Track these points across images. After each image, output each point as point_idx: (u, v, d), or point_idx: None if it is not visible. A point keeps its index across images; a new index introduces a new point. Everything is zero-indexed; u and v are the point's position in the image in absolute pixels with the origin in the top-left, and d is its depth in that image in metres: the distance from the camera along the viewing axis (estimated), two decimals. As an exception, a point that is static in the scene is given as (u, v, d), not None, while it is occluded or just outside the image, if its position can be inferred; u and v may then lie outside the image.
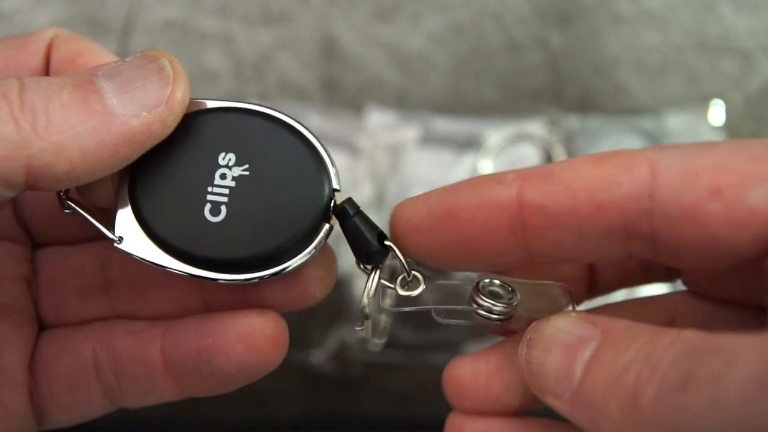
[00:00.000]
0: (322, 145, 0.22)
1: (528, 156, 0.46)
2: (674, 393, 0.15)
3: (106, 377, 0.23)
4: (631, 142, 0.46)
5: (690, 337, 0.16)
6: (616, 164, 0.18)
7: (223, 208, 0.21)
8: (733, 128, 0.46)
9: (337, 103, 0.49)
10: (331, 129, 0.48)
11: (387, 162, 0.46)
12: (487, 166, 0.46)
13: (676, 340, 0.16)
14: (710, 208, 0.17)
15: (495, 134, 0.46)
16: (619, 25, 0.50)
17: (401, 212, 0.21)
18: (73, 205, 0.21)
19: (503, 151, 0.46)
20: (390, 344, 0.40)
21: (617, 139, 0.46)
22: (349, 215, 0.21)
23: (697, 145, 0.18)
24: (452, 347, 0.41)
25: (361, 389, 0.42)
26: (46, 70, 0.22)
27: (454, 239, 0.20)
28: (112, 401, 0.24)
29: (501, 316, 0.21)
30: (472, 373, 0.22)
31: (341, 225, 0.21)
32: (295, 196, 0.21)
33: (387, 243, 0.21)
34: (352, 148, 0.47)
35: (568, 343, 0.19)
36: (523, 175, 0.19)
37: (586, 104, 0.48)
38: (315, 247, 0.21)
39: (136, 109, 0.19)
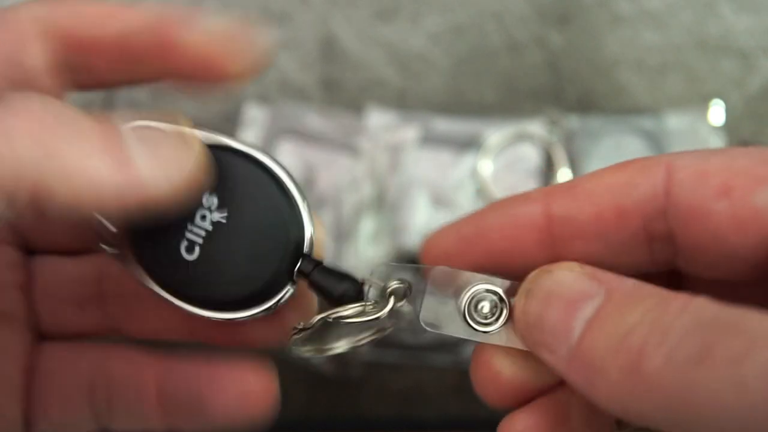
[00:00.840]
0: (306, 203, 0.22)
1: (528, 156, 0.46)
2: (688, 366, 0.15)
3: (99, 399, 0.23)
4: (631, 142, 0.46)
5: (703, 306, 0.16)
6: (634, 169, 0.19)
7: (197, 249, 0.21)
8: (733, 128, 0.46)
9: (337, 103, 0.49)
10: (331, 129, 0.48)
11: (387, 162, 0.46)
12: (487, 166, 0.46)
13: (688, 307, 0.16)
14: (717, 207, 0.17)
15: (495, 134, 0.46)
16: (619, 25, 0.50)
17: (432, 242, 0.21)
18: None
19: (503, 151, 0.46)
20: (390, 344, 0.40)
21: (617, 139, 0.46)
22: (305, 274, 0.22)
23: (713, 150, 0.18)
24: (452, 348, 0.41)
25: (361, 389, 0.42)
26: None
27: (486, 260, 0.20)
28: (98, 422, 0.24)
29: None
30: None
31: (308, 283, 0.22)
32: (264, 252, 0.21)
33: (358, 280, 0.22)
34: (352, 148, 0.47)
35: (568, 298, 0.18)
36: (548, 190, 0.20)
37: (586, 104, 0.48)
38: (267, 309, 0.21)
39: (150, 169, 0.19)
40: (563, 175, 0.45)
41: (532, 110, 0.48)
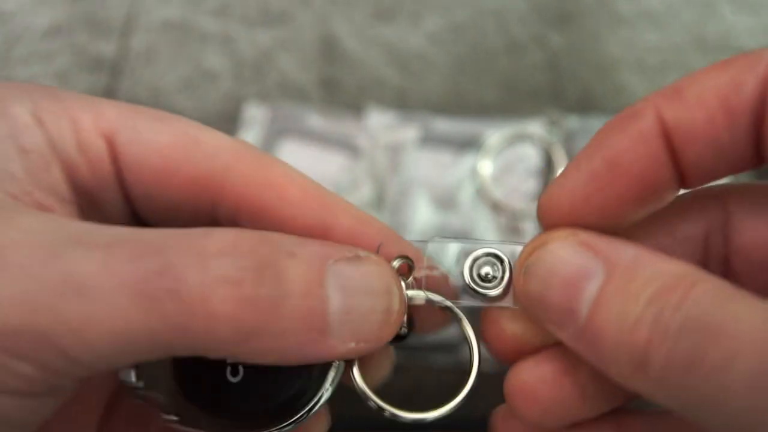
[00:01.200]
0: None
1: (528, 156, 0.46)
2: (684, 370, 0.15)
3: None
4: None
5: (699, 300, 0.16)
6: (737, 67, 0.18)
7: (241, 369, 0.21)
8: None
9: (336, 103, 0.49)
10: (331, 129, 0.48)
11: (387, 162, 0.46)
12: (486, 166, 0.46)
13: (686, 301, 0.16)
14: None
15: (495, 134, 0.46)
16: (619, 25, 0.50)
17: (554, 198, 0.20)
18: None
19: (503, 151, 0.46)
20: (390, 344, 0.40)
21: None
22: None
23: None
24: (452, 348, 0.41)
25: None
26: (226, 185, 0.21)
27: (616, 189, 0.19)
28: None
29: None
30: (539, 377, 0.21)
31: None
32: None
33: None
34: (352, 148, 0.47)
35: (568, 277, 0.18)
36: (653, 98, 0.19)
37: (586, 104, 0.48)
38: (329, 389, 0.21)
39: (348, 338, 0.19)
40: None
41: (532, 110, 0.48)
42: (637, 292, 0.17)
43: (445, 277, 0.21)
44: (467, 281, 0.21)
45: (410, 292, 0.21)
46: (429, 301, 0.21)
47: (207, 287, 0.16)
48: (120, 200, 0.21)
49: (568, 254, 0.18)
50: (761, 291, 0.17)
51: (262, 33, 0.52)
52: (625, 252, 0.18)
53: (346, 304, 0.18)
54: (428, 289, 0.21)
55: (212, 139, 0.21)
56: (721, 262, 0.19)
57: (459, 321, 0.22)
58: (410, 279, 0.21)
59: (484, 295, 0.21)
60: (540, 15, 0.51)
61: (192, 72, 0.51)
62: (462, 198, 0.45)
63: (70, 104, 0.20)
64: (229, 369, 0.21)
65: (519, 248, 0.21)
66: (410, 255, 0.21)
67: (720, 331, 0.15)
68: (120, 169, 0.21)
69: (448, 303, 0.21)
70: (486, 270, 0.21)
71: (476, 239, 0.23)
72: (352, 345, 0.19)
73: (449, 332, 0.42)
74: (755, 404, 0.14)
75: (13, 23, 0.53)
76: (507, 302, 0.21)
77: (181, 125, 0.21)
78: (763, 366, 0.14)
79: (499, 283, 0.21)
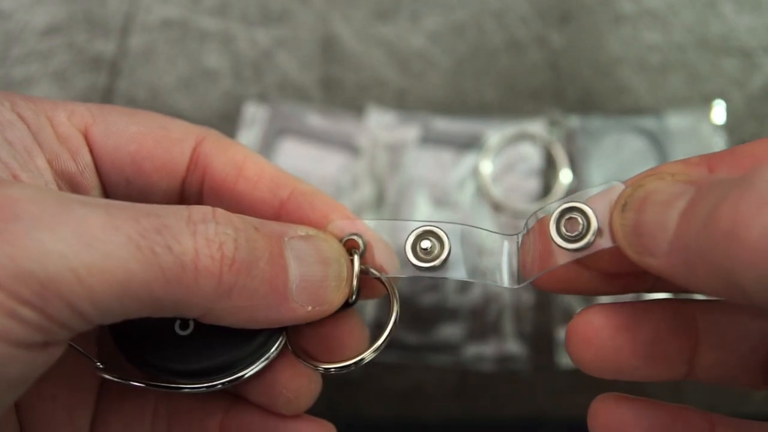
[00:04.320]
0: None
1: (529, 156, 0.46)
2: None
3: (159, 427, 0.25)
4: (632, 141, 0.46)
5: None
6: None
7: (191, 323, 0.23)
8: (734, 128, 0.46)
9: (337, 103, 0.49)
10: (331, 129, 0.47)
11: (387, 162, 0.46)
12: (487, 166, 0.45)
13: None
14: None
15: (495, 135, 0.46)
16: (620, 24, 0.50)
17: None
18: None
19: (504, 151, 0.46)
20: (390, 344, 0.40)
21: (618, 138, 0.46)
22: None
23: None
24: (452, 348, 0.41)
25: (361, 389, 0.42)
26: (192, 167, 0.24)
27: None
28: None
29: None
30: (599, 326, 0.21)
31: None
32: None
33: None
34: (352, 148, 0.47)
35: (662, 200, 0.18)
36: (708, 156, 0.20)
37: (587, 104, 0.48)
38: (266, 358, 0.23)
39: (306, 302, 0.21)
40: (564, 175, 0.45)
41: (532, 110, 0.48)
42: (722, 186, 0.16)
43: (388, 251, 0.24)
44: (407, 255, 0.23)
45: (355, 264, 0.24)
46: (366, 273, 0.24)
47: (196, 246, 0.19)
48: (98, 188, 0.23)
49: (664, 185, 0.19)
50: None
51: (262, 32, 0.52)
52: (714, 176, 0.18)
53: (303, 272, 0.21)
54: (369, 262, 0.24)
55: (179, 126, 0.24)
56: None
57: (389, 292, 0.24)
58: (358, 253, 0.24)
59: (419, 267, 0.23)
60: (541, 14, 0.51)
61: (191, 71, 0.51)
62: (462, 197, 0.45)
63: (44, 105, 0.22)
64: (178, 323, 0.23)
65: (445, 224, 0.23)
66: (359, 231, 0.24)
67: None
68: (96, 158, 0.23)
69: (378, 275, 0.24)
70: (426, 244, 0.23)
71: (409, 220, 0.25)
72: (309, 308, 0.21)
73: (449, 332, 0.41)
74: None
75: (11, 22, 0.53)
76: (605, 242, 0.21)
77: (149, 117, 0.24)
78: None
79: (584, 235, 0.21)
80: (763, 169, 0.15)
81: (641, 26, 0.50)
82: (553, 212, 0.22)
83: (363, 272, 0.23)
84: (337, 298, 0.22)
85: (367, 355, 0.23)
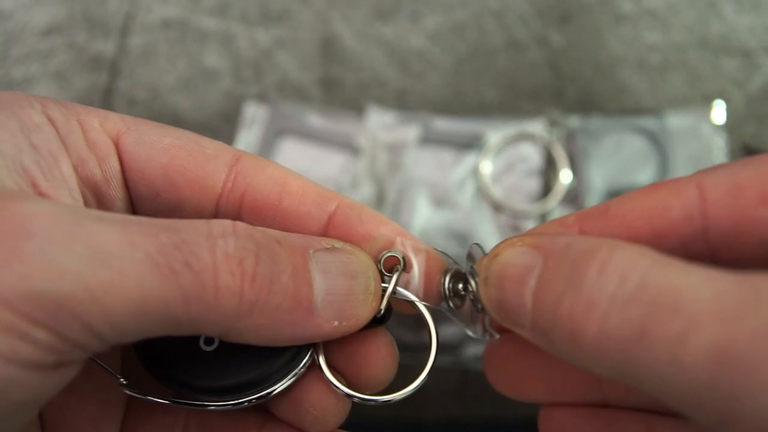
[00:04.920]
0: None
1: (529, 156, 0.46)
2: (625, 344, 0.16)
3: None
4: (632, 141, 0.46)
5: (627, 269, 0.16)
6: (666, 191, 0.19)
7: (216, 339, 0.22)
8: (734, 128, 0.46)
9: (337, 103, 0.49)
10: (331, 129, 0.47)
11: (387, 162, 0.46)
12: (487, 166, 0.45)
13: (605, 267, 0.16)
14: (760, 214, 0.18)
15: (495, 135, 0.46)
16: (620, 24, 0.50)
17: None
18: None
19: (504, 151, 0.46)
20: (402, 347, 0.40)
21: (618, 138, 0.46)
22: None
23: (739, 162, 0.19)
24: (452, 349, 0.41)
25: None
26: (228, 185, 0.23)
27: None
28: None
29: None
30: (506, 353, 0.23)
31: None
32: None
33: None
34: (352, 148, 0.47)
35: (516, 276, 0.19)
36: (582, 215, 0.21)
37: (587, 104, 0.48)
38: (294, 374, 0.22)
39: (332, 317, 0.21)
40: (564, 175, 0.45)
41: (532, 110, 0.48)
42: (562, 269, 0.18)
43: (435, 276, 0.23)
44: (444, 291, 0.23)
45: (391, 281, 0.23)
46: (397, 294, 0.23)
47: (216, 262, 0.18)
48: (124, 200, 0.22)
49: (514, 256, 0.20)
50: (739, 267, 0.17)
51: (262, 32, 0.52)
52: (560, 240, 0.19)
53: (328, 285, 0.20)
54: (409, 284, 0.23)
55: (214, 143, 0.23)
56: (703, 242, 0.19)
57: (421, 313, 0.23)
58: (397, 271, 0.23)
59: (448, 305, 0.23)
60: (541, 14, 0.51)
61: (191, 71, 0.51)
62: (462, 198, 0.45)
63: (77, 110, 0.21)
64: (203, 338, 0.22)
65: None
66: (408, 247, 0.23)
67: (668, 306, 0.15)
68: (125, 167, 0.22)
69: (413, 298, 0.23)
70: (459, 286, 0.23)
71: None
72: (336, 323, 0.21)
73: (449, 332, 0.41)
74: (718, 376, 0.14)
75: (11, 22, 0.53)
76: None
77: (183, 132, 0.23)
78: (725, 340, 0.14)
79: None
80: (590, 269, 0.17)
81: (641, 26, 0.50)
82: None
83: (393, 293, 0.22)
84: (364, 312, 0.21)
85: (397, 396, 0.22)
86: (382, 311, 0.22)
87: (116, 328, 0.17)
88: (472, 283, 0.22)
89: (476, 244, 0.23)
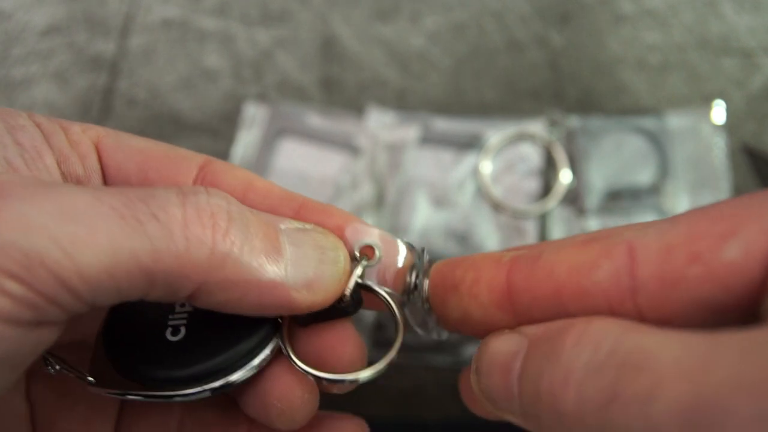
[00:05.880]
0: None
1: (528, 156, 0.46)
2: (600, 409, 0.16)
3: None
4: (631, 141, 0.46)
5: (600, 338, 0.17)
6: (596, 249, 0.19)
7: (183, 329, 0.22)
8: (734, 128, 0.46)
9: (337, 103, 0.49)
10: (331, 129, 0.47)
11: (387, 162, 0.46)
12: (487, 166, 0.45)
13: (581, 338, 0.17)
14: (691, 273, 0.18)
15: (495, 135, 0.46)
16: (620, 24, 0.50)
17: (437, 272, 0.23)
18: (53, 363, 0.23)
19: (503, 151, 0.46)
20: (389, 344, 0.40)
21: (618, 138, 0.46)
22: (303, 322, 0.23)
23: (671, 219, 0.19)
24: (451, 348, 0.41)
25: (361, 389, 0.42)
26: (198, 182, 0.24)
27: (456, 306, 0.22)
28: None
29: None
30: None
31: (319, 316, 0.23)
32: (245, 319, 0.22)
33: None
34: (352, 148, 0.47)
35: (502, 363, 0.19)
36: (516, 257, 0.21)
37: (586, 104, 0.48)
38: (257, 362, 0.22)
39: (300, 285, 0.21)
40: (564, 175, 0.45)
41: (532, 110, 0.48)
42: (541, 349, 0.18)
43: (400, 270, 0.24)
44: (408, 285, 0.23)
45: (357, 269, 0.23)
46: (363, 285, 0.23)
47: (186, 214, 0.19)
48: None
49: (501, 343, 0.20)
50: (664, 324, 0.17)
51: (262, 32, 0.52)
52: (542, 326, 0.19)
53: (298, 254, 0.21)
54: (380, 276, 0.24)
55: (185, 150, 0.24)
56: (631, 303, 0.19)
57: (390, 310, 0.24)
58: (365, 259, 0.23)
59: (408, 299, 0.23)
60: (540, 14, 0.51)
61: (191, 71, 0.51)
62: (462, 198, 0.45)
63: (59, 120, 0.23)
64: (170, 329, 0.22)
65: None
66: (377, 240, 0.23)
67: (635, 364, 0.15)
68: (104, 165, 0.23)
69: (378, 289, 0.23)
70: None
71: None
72: (305, 293, 0.21)
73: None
74: None
75: (11, 22, 0.53)
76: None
77: (159, 142, 0.24)
78: (692, 397, 0.14)
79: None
80: (567, 342, 0.17)
81: (641, 26, 0.50)
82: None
83: (361, 285, 0.23)
84: (332, 285, 0.22)
85: (364, 374, 0.22)
86: (349, 294, 0.22)
87: (89, 283, 0.17)
88: (413, 277, 0.23)
89: (422, 248, 0.23)
